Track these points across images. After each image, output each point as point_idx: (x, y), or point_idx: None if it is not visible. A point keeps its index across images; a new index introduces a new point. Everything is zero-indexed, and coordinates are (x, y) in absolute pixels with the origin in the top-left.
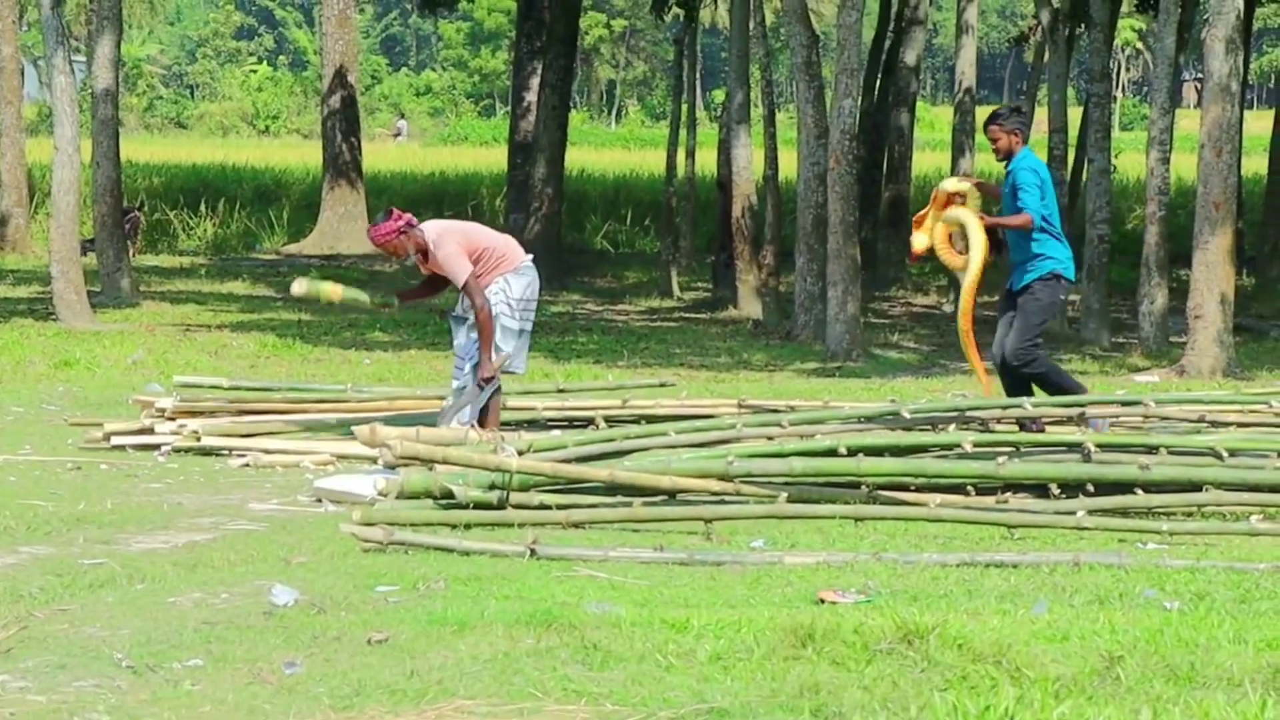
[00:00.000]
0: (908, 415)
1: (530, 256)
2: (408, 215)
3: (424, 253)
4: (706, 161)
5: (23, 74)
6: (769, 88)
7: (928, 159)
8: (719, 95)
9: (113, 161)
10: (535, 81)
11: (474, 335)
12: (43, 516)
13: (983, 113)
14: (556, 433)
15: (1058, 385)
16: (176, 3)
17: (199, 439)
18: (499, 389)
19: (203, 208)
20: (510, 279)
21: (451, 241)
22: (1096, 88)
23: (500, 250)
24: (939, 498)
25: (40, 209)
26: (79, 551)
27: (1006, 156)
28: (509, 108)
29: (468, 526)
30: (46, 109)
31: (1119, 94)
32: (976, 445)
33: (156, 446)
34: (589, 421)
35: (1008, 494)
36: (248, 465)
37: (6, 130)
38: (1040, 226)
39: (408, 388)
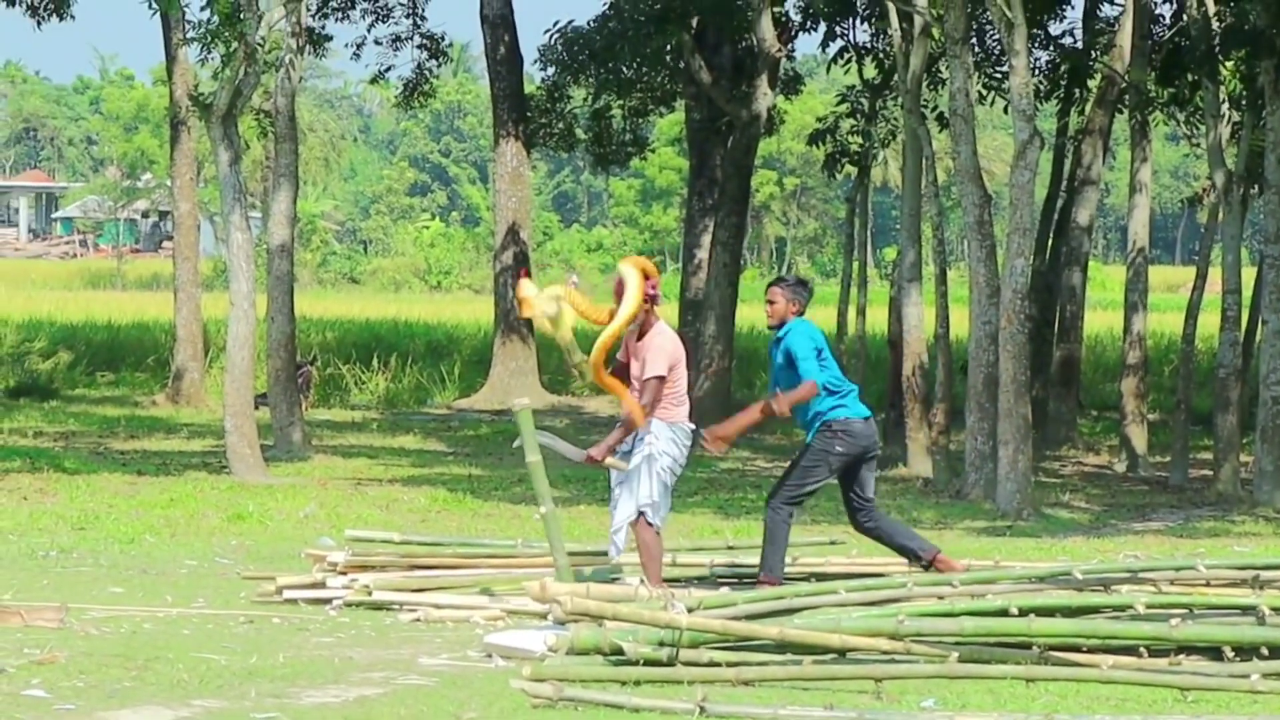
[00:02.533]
0: (1079, 575)
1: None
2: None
3: (641, 334)
4: (877, 319)
5: (199, 229)
6: (940, 246)
7: (1100, 318)
8: (890, 253)
9: (287, 316)
10: (706, 239)
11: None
12: (215, 670)
13: (1156, 272)
14: (725, 590)
15: (776, 544)
16: (351, 160)
17: (370, 593)
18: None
19: (375, 362)
20: (678, 433)
21: (669, 342)
22: (1271, 249)
23: (682, 394)
24: (1111, 659)
25: (215, 363)
26: (251, 705)
27: (779, 324)
28: (680, 264)
29: (637, 683)
30: (222, 264)
31: None
32: (1149, 606)
33: (328, 600)
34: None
35: (1181, 656)
36: (419, 620)
37: (183, 285)
38: (824, 389)
39: (577, 543)
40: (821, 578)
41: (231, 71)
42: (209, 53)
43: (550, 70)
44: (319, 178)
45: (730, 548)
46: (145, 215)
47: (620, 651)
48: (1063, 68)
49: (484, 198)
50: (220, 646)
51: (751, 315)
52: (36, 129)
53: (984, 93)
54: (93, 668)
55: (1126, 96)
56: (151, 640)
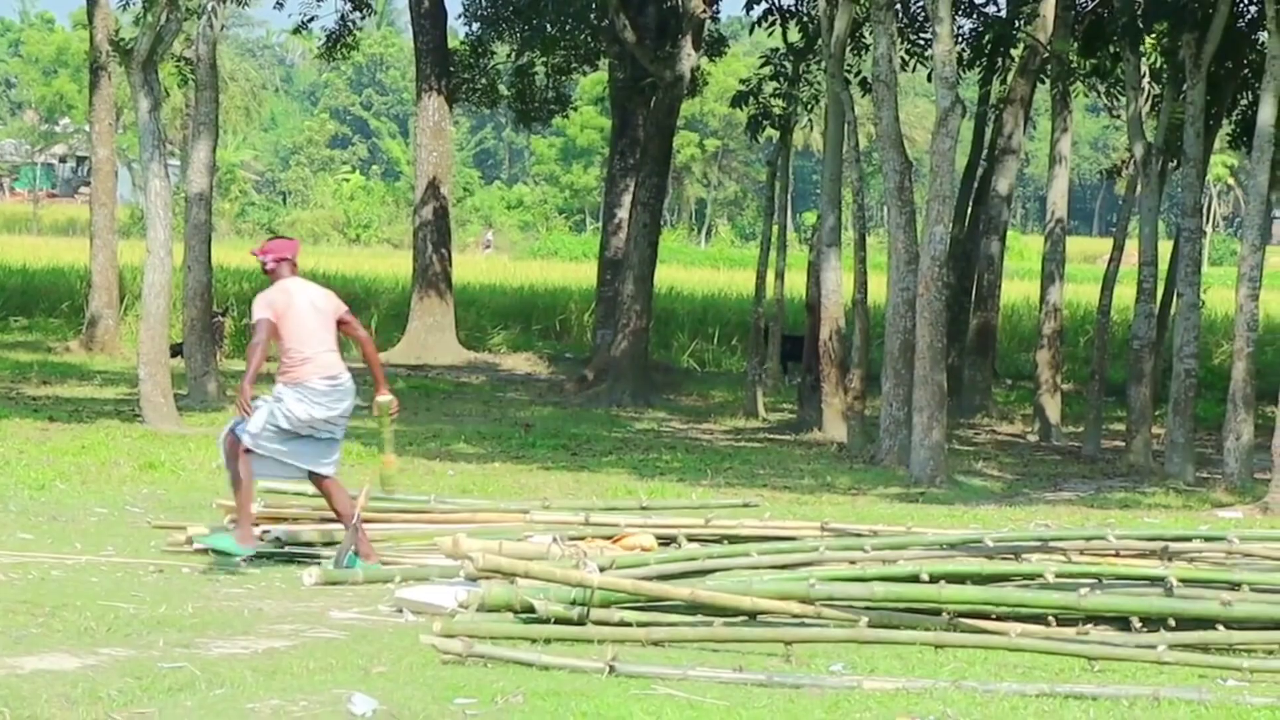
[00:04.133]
0: (990, 543)
1: (333, 378)
2: (285, 251)
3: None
4: (795, 283)
5: (116, 176)
6: (860, 211)
7: (1017, 288)
8: (810, 217)
9: (204, 266)
10: (627, 199)
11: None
12: (123, 618)
13: (1074, 243)
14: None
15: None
16: (272, 110)
17: (281, 545)
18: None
19: None
20: (302, 390)
21: (263, 304)
22: (1188, 222)
23: (303, 355)
24: (1020, 627)
25: (130, 311)
26: (159, 655)
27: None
28: (599, 223)
29: (547, 641)
30: (139, 211)
31: (1210, 229)
32: (1059, 575)
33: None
34: (671, 539)
35: (1089, 626)
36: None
37: (99, 232)
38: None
39: (491, 500)
40: (734, 540)
41: (153, 17)
42: None
43: (474, 25)
44: (239, 127)
45: (644, 508)
46: (63, 160)
47: (531, 609)
48: (986, 36)
49: (404, 152)
50: (129, 595)
51: (670, 276)
52: None
53: (907, 59)
54: None
55: (1049, 66)
56: (60, 587)
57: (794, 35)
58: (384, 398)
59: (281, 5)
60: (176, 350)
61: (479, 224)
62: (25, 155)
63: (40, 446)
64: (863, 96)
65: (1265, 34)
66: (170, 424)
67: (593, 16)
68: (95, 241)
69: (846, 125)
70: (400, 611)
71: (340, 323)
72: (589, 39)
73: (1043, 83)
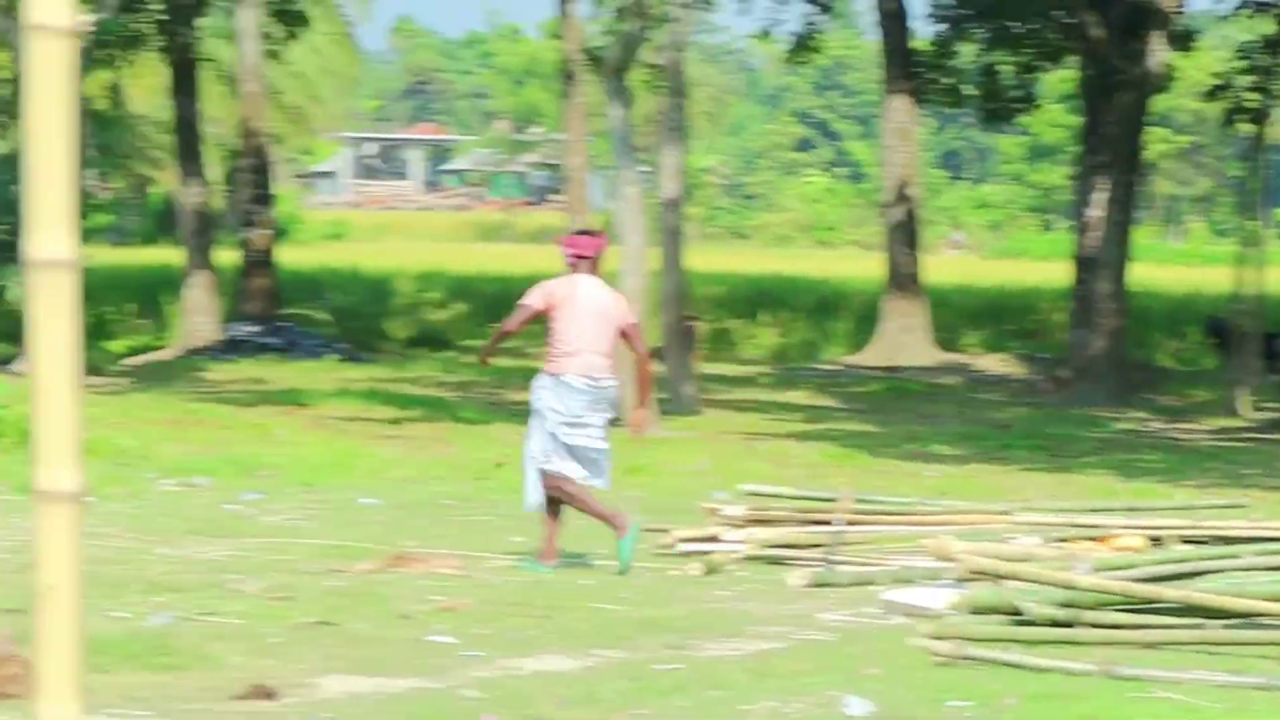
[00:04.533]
0: None
1: (594, 380)
2: (586, 249)
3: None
4: (1275, 279)
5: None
6: None
7: None
8: None
9: (677, 270)
10: (1098, 196)
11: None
12: (614, 620)
13: None
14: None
15: None
16: (736, 114)
17: (766, 548)
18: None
19: (763, 317)
20: (560, 384)
21: (539, 291)
22: None
23: (570, 348)
24: None
25: None
26: (651, 657)
27: None
28: (1069, 222)
29: (1038, 643)
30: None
31: None
32: None
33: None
34: (1158, 540)
35: None
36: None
37: None
38: None
39: (971, 502)
40: (1224, 541)
41: (624, 26)
42: (600, 7)
43: (940, 25)
44: (705, 132)
45: (1130, 510)
46: (534, 168)
47: (1019, 611)
48: None
49: (869, 153)
50: (618, 597)
51: (1143, 274)
52: (428, 83)
53: None
54: (494, 615)
55: None
56: (551, 589)
57: (1268, 26)
58: (639, 413)
59: (746, 10)
60: (654, 354)
61: (946, 224)
62: (498, 164)
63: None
64: None
65: None
66: (650, 428)
67: (1059, 14)
68: None
69: None
70: (887, 614)
71: (623, 333)
72: (1055, 36)
73: None
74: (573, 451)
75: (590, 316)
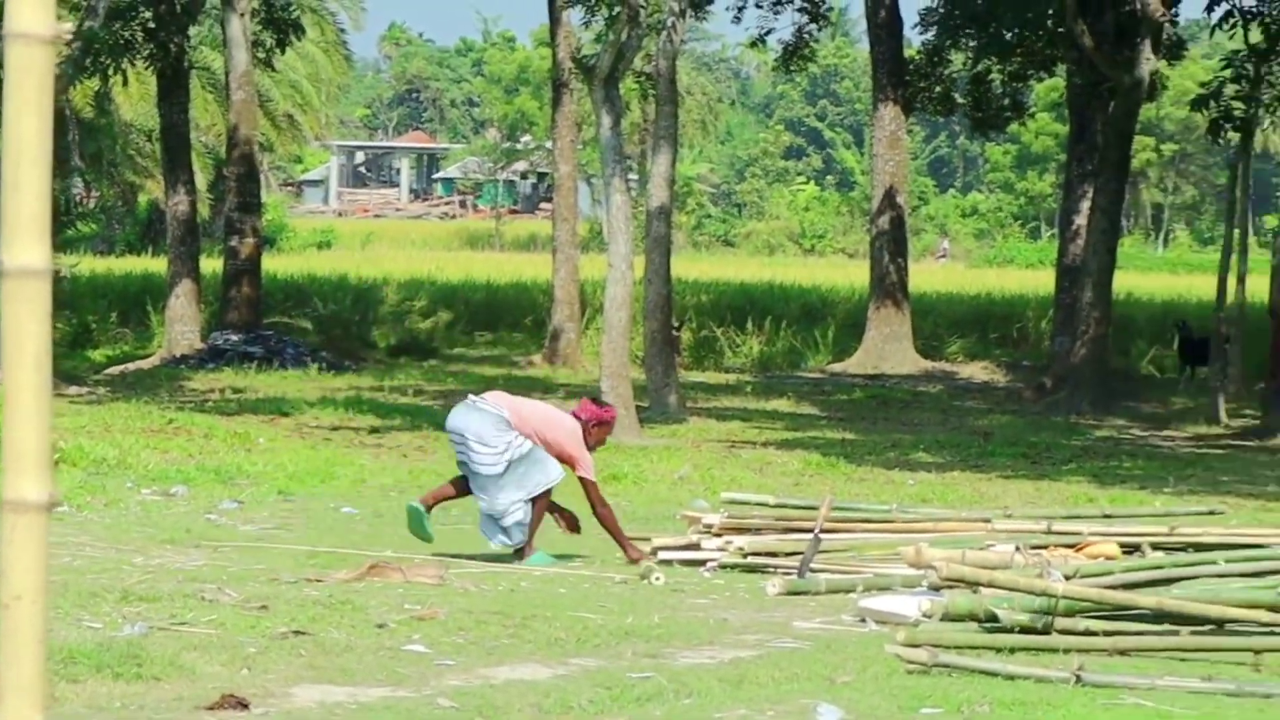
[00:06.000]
0: None
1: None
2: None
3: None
4: (1258, 288)
5: (577, 191)
6: None
7: None
8: (1271, 220)
9: (664, 279)
10: (1085, 204)
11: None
12: (591, 629)
13: None
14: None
15: None
16: (727, 123)
17: (745, 555)
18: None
19: (749, 325)
20: None
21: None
22: None
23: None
24: None
25: (591, 325)
26: (627, 665)
27: None
28: (1055, 230)
29: (1012, 650)
30: (598, 226)
31: None
32: None
33: (703, 562)
34: (1135, 548)
35: None
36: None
37: (561, 246)
38: None
39: (952, 509)
40: (1199, 548)
41: (615, 34)
42: (593, 15)
43: (930, 33)
44: (695, 140)
45: (1106, 516)
46: (524, 176)
47: (995, 618)
48: None
49: (858, 162)
50: (596, 606)
51: (1127, 282)
52: (419, 90)
53: None
54: (471, 624)
55: None
56: (529, 598)
57: (1255, 36)
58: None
59: (739, 19)
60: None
61: (934, 232)
62: (488, 173)
63: None
64: None
65: None
66: (632, 436)
67: (1050, 21)
68: (557, 256)
69: None
70: (863, 621)
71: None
72: (1045, 45)
73: None
74: None
75: None
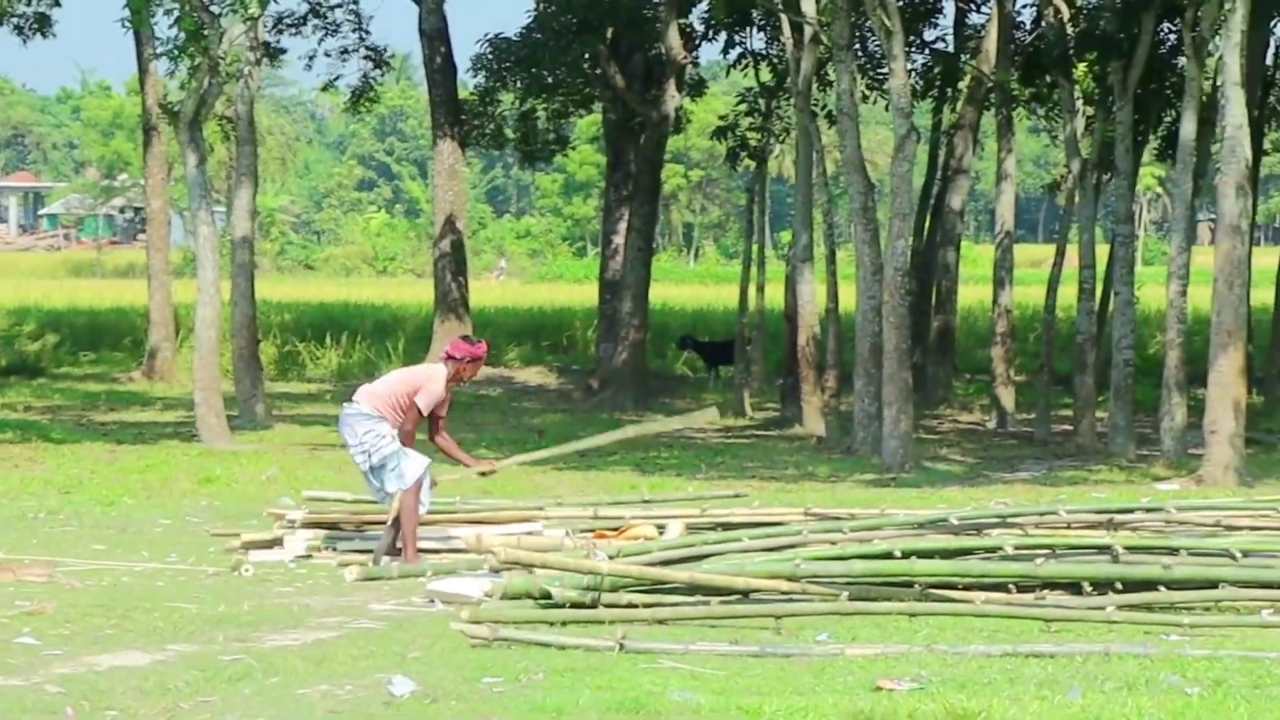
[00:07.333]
0: (955, 521)
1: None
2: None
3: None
4: (775, 296)
5: (169, 224)
6: (830, 230)
7: (971, 292)
8: (786, 236)
9: (248, 300)
10: (622, 226)
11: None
12: (187, 617)
13: (1021, 250)
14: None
15: None
16: (305, 159)
17: (323, 548)
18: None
19: (328, 340)
20: None
21: None
22: (1122, 228)
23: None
24: (984, 595)
25: (185, 343)
26: (220, 649)
27: None
28: (599, 249)
29: (564, 624)
30: (191, 254)
31: (1142, 233)
32: (1017, 548)
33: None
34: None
35: (1045, 591)
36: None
37: (155, 274)
38: None
39: (511, 500)
40: (727, 527)
41: (197, 82)
42: (177, 65)
43: (481, 77)
44: (277, 175)
45: (646, 501)
46: (122, 210)
47: (549, 596)
48: (936, 69)
49: (424, 192)
50: (192, 597)
51: (663, 293)
52: (24, 135)
53: (867, 93)
54: (78, 617)
55: (993, 95)
56: (130, 592)
57: (765, 75)
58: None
59: (311, 67)
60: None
61: (492, 253)
62: (89, 208)
63: (109, 466)
64: (829, 128)
65: (1184, 59)
66: (224, 442)
67: (586, 65)
68: (152, 282)
69: (815, 154)
70: (432, 602)
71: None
72: (584, 85)
73: (988, 109)
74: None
75: None
